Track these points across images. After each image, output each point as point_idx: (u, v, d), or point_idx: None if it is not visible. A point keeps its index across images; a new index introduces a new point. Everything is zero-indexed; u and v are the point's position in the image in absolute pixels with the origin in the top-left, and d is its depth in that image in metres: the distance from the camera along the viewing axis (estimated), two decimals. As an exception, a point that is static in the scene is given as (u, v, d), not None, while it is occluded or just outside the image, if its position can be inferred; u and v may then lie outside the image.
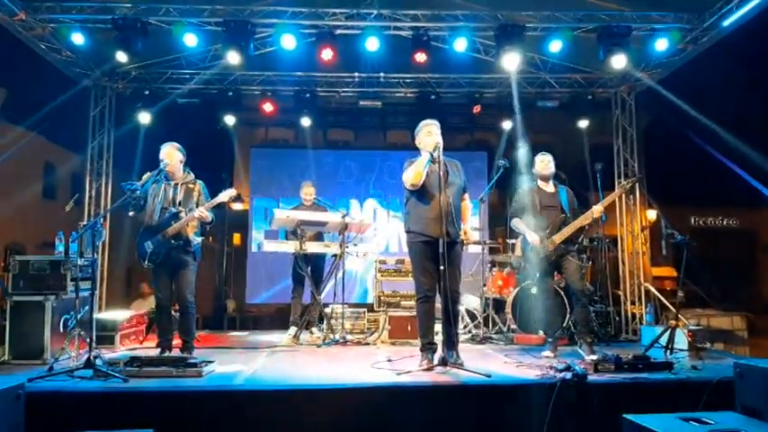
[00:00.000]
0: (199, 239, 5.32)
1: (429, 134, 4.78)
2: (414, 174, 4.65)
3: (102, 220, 6.07)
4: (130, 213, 5.18)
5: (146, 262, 5.15)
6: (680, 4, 7.01)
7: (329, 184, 10.94)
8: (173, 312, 5.54)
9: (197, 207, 5.19)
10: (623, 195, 8.31)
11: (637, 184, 8.26)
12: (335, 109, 10.51)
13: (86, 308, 5.28)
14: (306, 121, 9.24)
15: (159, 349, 5.30)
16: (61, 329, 5.27)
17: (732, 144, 10.21)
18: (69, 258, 5.45)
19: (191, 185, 5.30)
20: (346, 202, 10.88)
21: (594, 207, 5.51)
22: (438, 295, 4.68)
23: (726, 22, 6.78)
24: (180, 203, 5.20)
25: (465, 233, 4.93)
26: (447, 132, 4.91)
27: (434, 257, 4.60)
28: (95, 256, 5.13)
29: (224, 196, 5.29)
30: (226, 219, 11.42)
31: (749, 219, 15.21)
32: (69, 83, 8.15)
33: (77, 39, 6.98)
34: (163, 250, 5.11)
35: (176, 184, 5.25)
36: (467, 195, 5.07)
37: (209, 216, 5.20)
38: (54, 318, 5.18)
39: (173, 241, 5.11)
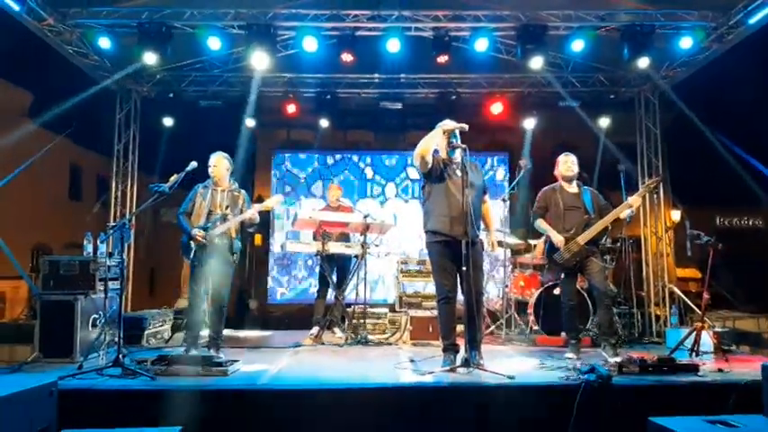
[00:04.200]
0: (239, 244, 5.55)
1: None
2: (422, 147, 4.60)
3: (129, 221, 6.20)
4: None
5: (190, 258, 5.34)
6: (705, 2, 6.92)
7: (349, 186, 10.99)
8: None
9: (241, 213, 5.51)
10: (647, 195, 8.23)
11: (660, 184, 8.17)
12: (356, 110, 10.52)
13: (114, 307, 5.39)
14: (327, 123, 9.29)
15: (185, 344, 5.40)
16: (90, 328, 5.38)
17: (758, 143, 10.03)
18: (98, 258, 5.56)
19: (236, 193, 5.62)
20: (366, 204, 10.91)
21: (631, 198, 5.44)
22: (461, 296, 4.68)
23: (752, 20, 6.68)
24: (227, 207, 5.50)
25: (492, 245, 4.94)
26: (467, 132, 4.89)
27: (454, 258, 4.60)
28: (124, 256, 5.24)
29: (272, 202, 5.96)
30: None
31: (776, 219, 14.92)
32: (96, 86, 8.30)
33: (104, 43, 7.12)
34: (207, 249, 5.30)
35: (223, 191, 5.56)
36: (487, 197, 5.07)
37: (258, 218, 5.58)
38: (83, 317, 5.28)
39: (217, 240, 5.32)
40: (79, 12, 6.93)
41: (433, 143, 4.65)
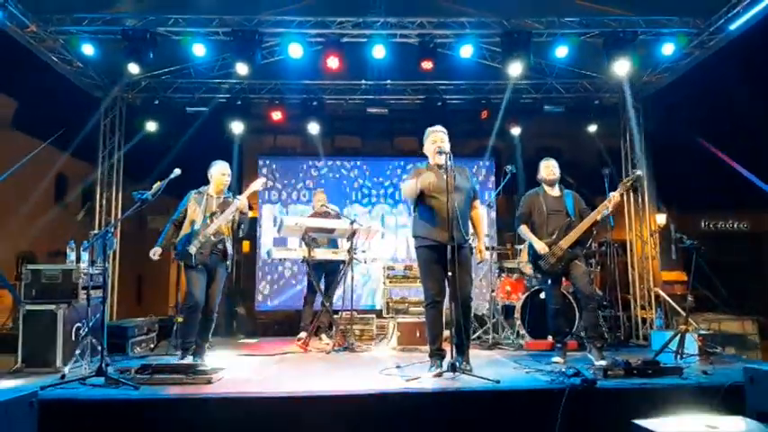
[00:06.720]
0: (232, 251, 5.51)
1: (433, 142, 4.84)
2: (408, 190, 4.76)
3: (113, 228, 6.16)
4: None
5: (192, 261, 5.25)
6: (686, 9, 7.01)
7: (337, 191, 10.97)
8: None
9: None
10: (631, 199, 8.37)
11: (642, 183, 8.26)
12: (343, 116, 10.53)
13: (98, 316, 5.34)
14: (313, 129, 9.29)
15: (181, 351, 5.35)
16: (73, 338, 5.32)
17: (741, 147, 10.16)
18: (81, 267, 5.51)
19: (229, 200, 5.60)
20: (354, 209, 10.90)
21: (612, 193, 5.41)
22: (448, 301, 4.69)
23: (733, 26, 6.78)
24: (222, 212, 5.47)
25: (479, 252, 4.91)
26: (454, 139, 4.94)
27: (441, 262, 4.60)
28: (107, 264, 5.18)
29: (257, 185, 5.81)
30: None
31: (760, 222, 15.11)
32: (80, 93, 8.26)
33: (88, 50, 7.09)
34: (206, 249, 5.29)
35: (218, 197, 5.55)
36: (477, 203, 5.03)
37: (247, 207, 5.60)
38: (66, 326, 5.23)
39: (213, 238, 5.32)
40: (62, 19, 6.88)
41: (414, 189, 4.71)
